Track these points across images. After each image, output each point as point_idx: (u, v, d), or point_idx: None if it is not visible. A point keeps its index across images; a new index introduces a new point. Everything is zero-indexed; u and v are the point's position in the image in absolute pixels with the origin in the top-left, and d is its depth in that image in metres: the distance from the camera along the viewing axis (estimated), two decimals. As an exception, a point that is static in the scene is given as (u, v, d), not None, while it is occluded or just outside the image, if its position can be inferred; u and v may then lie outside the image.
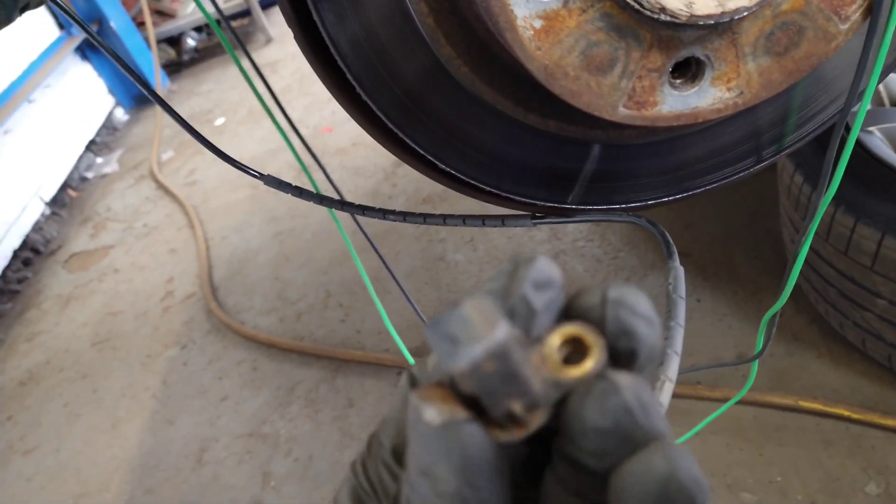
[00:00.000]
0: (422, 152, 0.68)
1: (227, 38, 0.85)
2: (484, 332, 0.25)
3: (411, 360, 0.94)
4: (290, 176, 3.07)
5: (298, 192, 0.54)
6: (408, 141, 0.66)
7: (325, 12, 0.57)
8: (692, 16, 0.47)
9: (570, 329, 0.27)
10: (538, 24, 0.50)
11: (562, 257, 2.19)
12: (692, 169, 0.70)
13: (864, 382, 1.48)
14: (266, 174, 0.72)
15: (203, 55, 4.87)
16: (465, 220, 0.63)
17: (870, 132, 1.46)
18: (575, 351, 0.27)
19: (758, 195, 2.09)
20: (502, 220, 0.71)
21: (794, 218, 1.53)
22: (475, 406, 0.26)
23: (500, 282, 0.28)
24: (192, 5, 4.70)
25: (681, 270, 0.58)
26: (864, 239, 1.30)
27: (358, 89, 0.63)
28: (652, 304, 0.28)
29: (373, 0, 0.57)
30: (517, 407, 0.26)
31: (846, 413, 1.41)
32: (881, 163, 1.35)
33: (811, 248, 1.47)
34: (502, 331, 0.25)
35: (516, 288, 0.27)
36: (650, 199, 0.70)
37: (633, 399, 0.24)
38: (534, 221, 0.70)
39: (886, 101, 1.66)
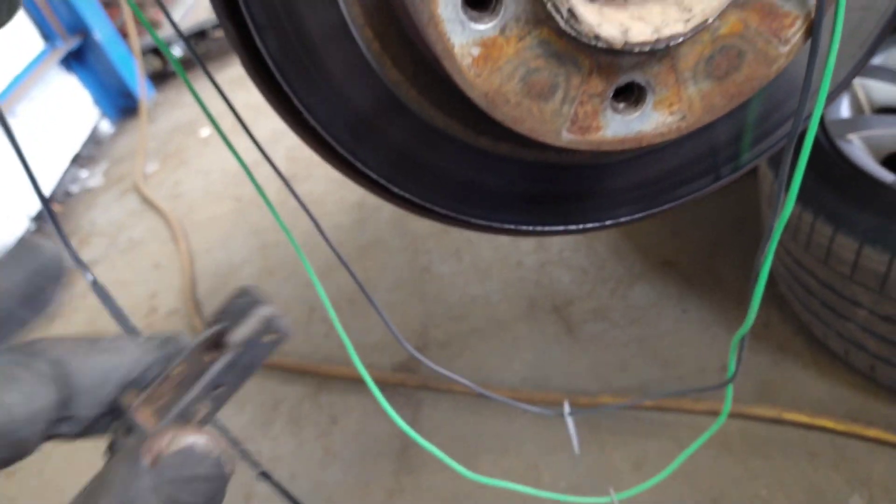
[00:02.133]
0: (374, 177, 0.66)
1: (179, 62, 0.84)
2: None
3: (371, 383, 0.93)
4: (274, 188, 3.05)
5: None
6: (358, 165, 0.65)
7: (268, 41, 0.55)
8: (627, 43, 0.46)
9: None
10: (476, 51, 0.49)
11: (547, 268, 2.17)
12: (650, 189, 0.69)
13: (848, 393, 1.47)
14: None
15: (189, 65, 4.84)
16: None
17: (849, 141, 1.45)
18: None
19: (743, 202, 2.08)
20: None
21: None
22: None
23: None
24: (178, 15, 4.68)
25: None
26: (843, 248, 1.29)
27: (305, 115, 0.62)
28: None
29: (316, 27, 0.56)
30: None
31: (831, 425, 1.39)
32: (859, 171, 1.34)
33: (793, 258, 1.46)
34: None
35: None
36: (608, 220, 0.69)
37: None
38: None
39: (867, 107, 1.64)
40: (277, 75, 0.59)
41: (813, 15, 0.51)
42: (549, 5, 0.46)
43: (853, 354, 1.42)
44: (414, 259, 2.41)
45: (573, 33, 0.47)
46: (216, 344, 0.38)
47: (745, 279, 1.87)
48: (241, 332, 0.37)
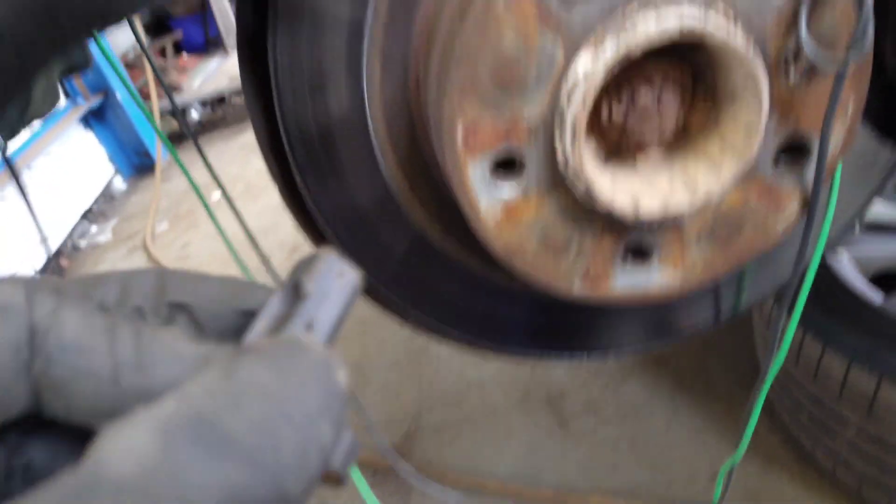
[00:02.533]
0: (396, 301, 0.71)
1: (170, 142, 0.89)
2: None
3: (358, 476, 0.95)
4: (282, 256, 3.11)
5: None
6: (381, 290, 0.70)
7: (309, 181, 0.61)
8: (638, 217, 0.52)
9: None
10: (500, 212, 0.54)
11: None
12: (652, 325, 0.73)
13: (836, 511, 1.48)
14: None
15: (207, 128, 4.99)
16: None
17: (839, 259, 1.51)
18: None
19: (736, 305, 2.13)
20: None
21: (766, 335, 1.56)
22: None
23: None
24: (199, 80, 4.86)
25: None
26: (832, 367, 1.32)
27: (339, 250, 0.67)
28: None
29: (353, 171, 0.62)
30: None
31: (817, 545, 1.39)
32: (848, 291, 1.39)
33: (783, 370, 1.49)
34: None
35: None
36: (611, 350, 0.73)
37: None
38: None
39: (856, 224, 1.70)
40: (310, 205, 0.64)
41: (809, 194, 0.57)
42: (567, 180, 0.52)
43: (841, 472, 1.44)
44: (413, 338, 2.44)
45: (589, 205, 0.52)
46: (295, 295, 0.37)
47: (735, 383, 1.90)
48: (310, 275, 0.37)
